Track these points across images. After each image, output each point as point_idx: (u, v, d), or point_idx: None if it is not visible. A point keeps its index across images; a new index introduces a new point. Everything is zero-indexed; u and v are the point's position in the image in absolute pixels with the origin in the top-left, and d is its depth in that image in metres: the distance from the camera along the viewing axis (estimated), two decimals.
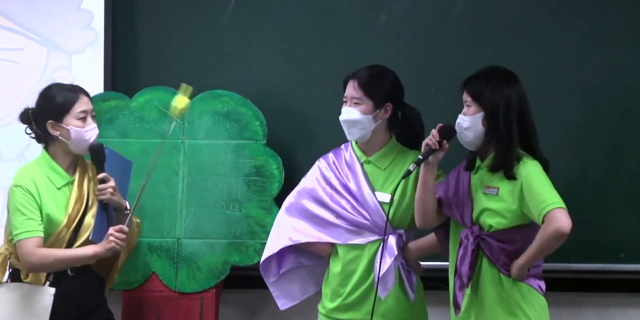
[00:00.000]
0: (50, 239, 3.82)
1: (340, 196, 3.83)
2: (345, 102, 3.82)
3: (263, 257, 3.95)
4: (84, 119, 3.84)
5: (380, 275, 3.68)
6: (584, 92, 4.29)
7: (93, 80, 4.43)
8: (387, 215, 3.73)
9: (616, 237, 4.27)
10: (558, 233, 3.37)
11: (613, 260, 4.25)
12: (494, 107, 3.50)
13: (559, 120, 4.26)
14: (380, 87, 3.76)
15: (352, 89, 3.79)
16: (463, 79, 3.70)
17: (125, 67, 4.46)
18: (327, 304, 3.87)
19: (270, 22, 4.40)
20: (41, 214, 3.80)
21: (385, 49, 4.34)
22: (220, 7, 4.41)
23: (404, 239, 3.78)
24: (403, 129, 3.87)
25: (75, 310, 3.85)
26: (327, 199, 3.86)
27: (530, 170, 3.47)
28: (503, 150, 3.50)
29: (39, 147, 4.07)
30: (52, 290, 3.80)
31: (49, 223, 3.82)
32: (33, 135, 3.92)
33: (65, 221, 3.83)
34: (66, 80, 4.46)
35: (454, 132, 3.56)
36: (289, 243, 3.89)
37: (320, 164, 3.94)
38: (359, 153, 3.86)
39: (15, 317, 3.79)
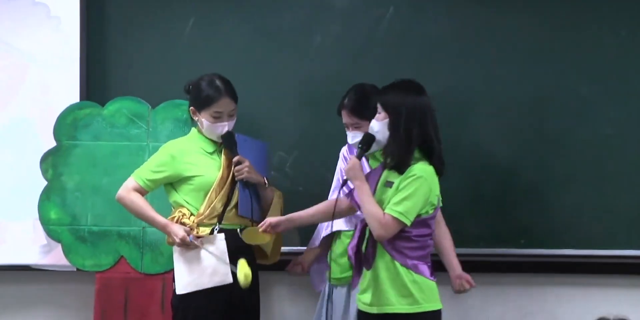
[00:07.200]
0: (205, 202, 4.01)
1: None
2: (347, 128, 4.13)
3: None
4: (218, 117, 4.02)
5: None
6: (496, 104, 4.55)
7: (69, 90, 4.56)
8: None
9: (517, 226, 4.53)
10: (376, 235, 3.70)
11: (515, 246, 4.55)
12: (397, 114, 3.69)
13: (473, 124, 4.53)
14: (369, 108, 3.93)
15: (347, 117, 4.09)
16: None
17: (98, 79, 4.58)
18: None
19: (222, 40, 4.57)
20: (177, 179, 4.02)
21: (321, 67, 4.56)
22: (180, 26, 4.58)
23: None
24: None
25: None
26: None
27: (415, 175, 3.67)
28: (400, 152, 3.68)
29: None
30: (222, 235, 3.98)
31: (202, 184, 4.02)
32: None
33: (217, 181, 4.00)
34: (41, 93, 4.61)
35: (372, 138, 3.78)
36: None
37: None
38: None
39: (203, 266, 3.97)
